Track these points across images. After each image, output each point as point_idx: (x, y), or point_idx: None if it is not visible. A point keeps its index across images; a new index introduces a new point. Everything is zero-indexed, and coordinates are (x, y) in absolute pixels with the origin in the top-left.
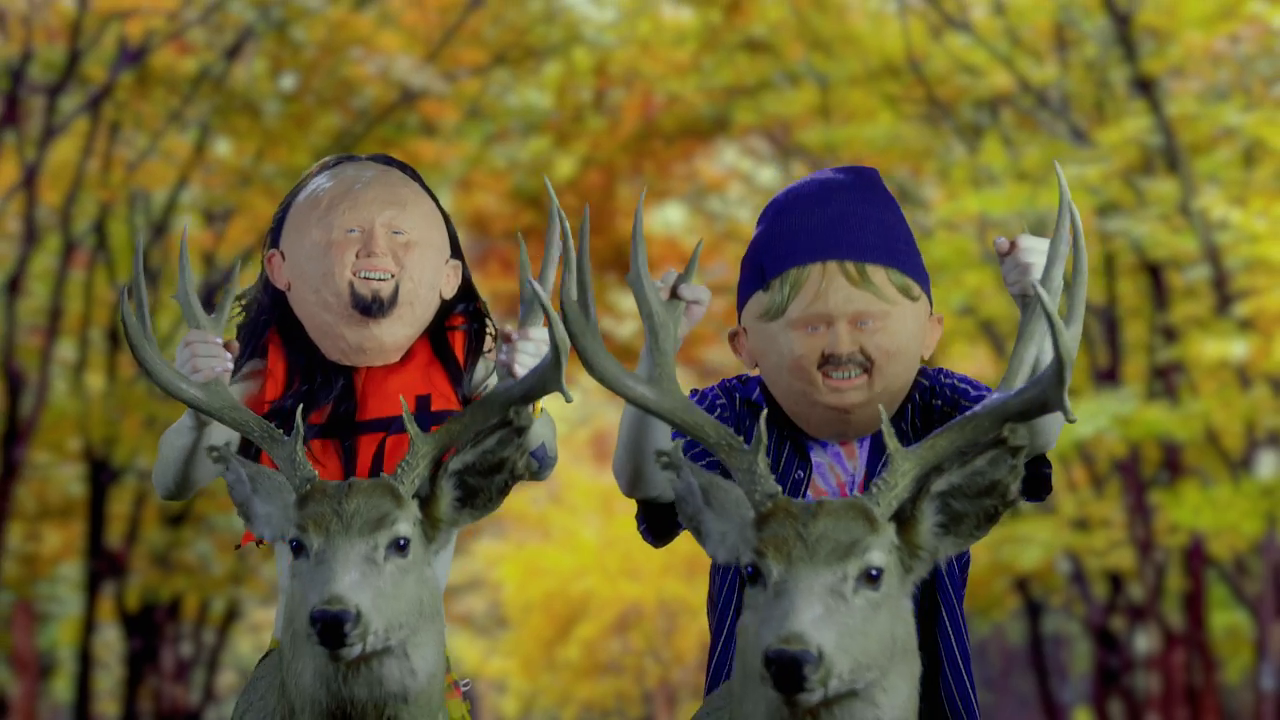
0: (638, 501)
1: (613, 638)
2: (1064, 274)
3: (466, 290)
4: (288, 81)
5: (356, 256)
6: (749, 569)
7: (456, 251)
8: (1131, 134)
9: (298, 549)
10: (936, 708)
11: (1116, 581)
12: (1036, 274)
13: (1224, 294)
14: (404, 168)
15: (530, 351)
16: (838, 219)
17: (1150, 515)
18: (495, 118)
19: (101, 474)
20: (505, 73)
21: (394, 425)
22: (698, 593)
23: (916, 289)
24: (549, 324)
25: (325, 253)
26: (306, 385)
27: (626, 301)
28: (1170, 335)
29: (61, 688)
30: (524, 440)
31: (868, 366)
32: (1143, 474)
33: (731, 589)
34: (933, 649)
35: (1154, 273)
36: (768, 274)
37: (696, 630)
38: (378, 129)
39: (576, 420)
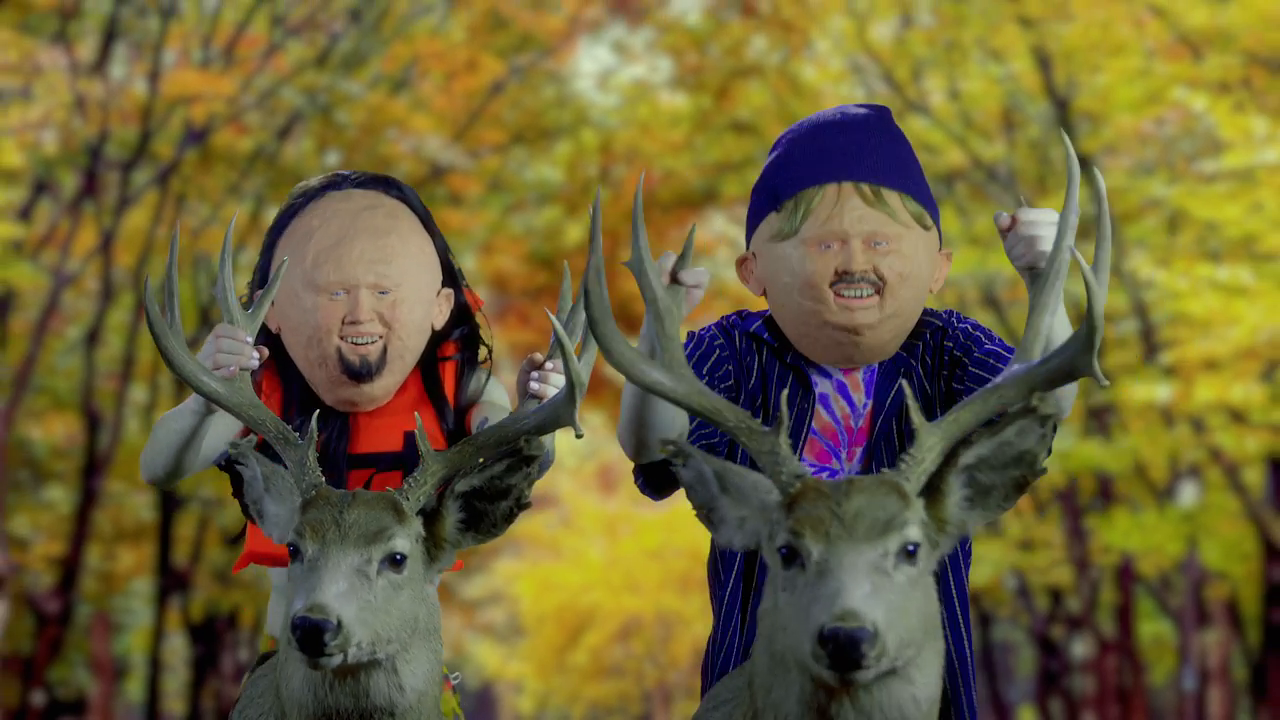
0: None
1: (616, 645)
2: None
3: (461, 314)
4: (332, 158)
5: (343, 322)
6: (783, 550)
7: (450, 277)
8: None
9: (294, 553)
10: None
11: (1056, 595)
12: (1045, 245)
13: (1150, 344)
14: (390, 188)
15: (559, 384)
16: (854, 144)
17: (1086, 537)
18: (513, 190)
19: (169, 502)
20: (522, 150)
21: (382, 462)
22: (691, 605)
23: (929, 219)
24: (565, 361)
25: (313, 315)
26: (301, 418)
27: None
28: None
29: (134, 689)
30: (533, 470)
31: (879, 286)
32: (1079, 501)
33: (732, 561)
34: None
35: None
36: (781, 195)
37: (690, 638)
38: None
39: (585, 454)
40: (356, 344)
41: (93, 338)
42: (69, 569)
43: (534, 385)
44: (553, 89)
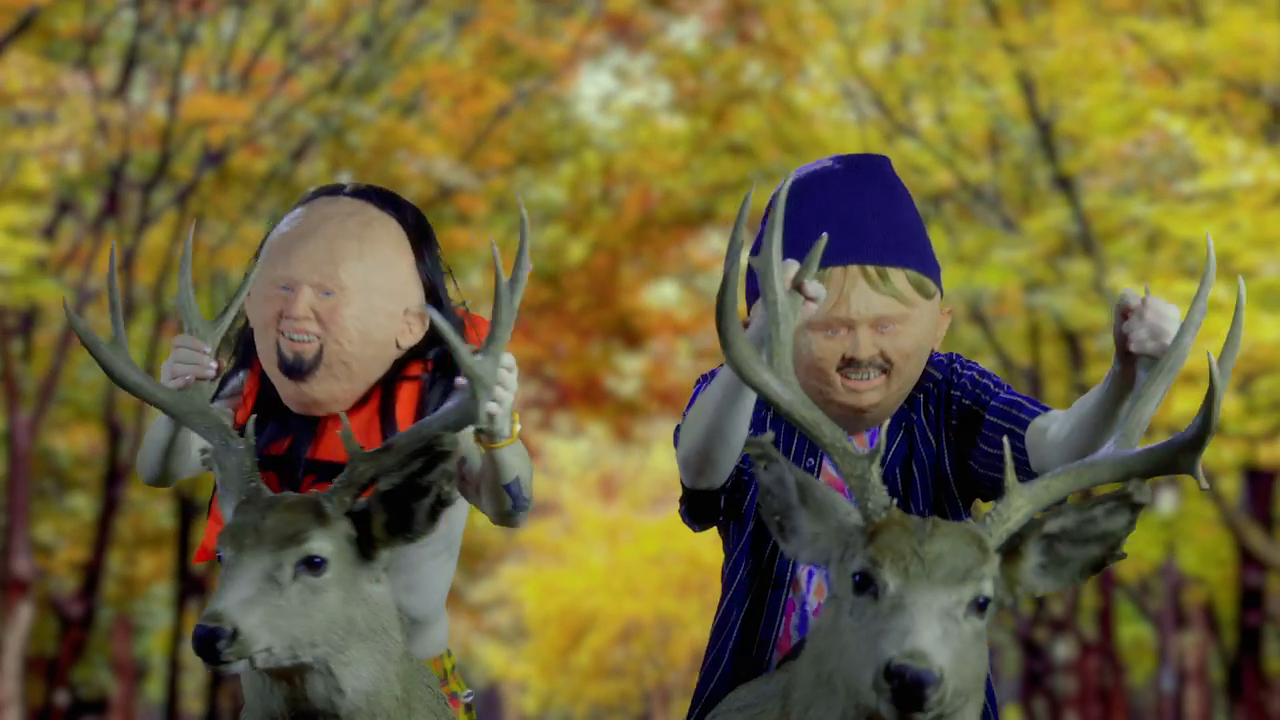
0: (685, 488)
1: (617, 647)
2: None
3: (432, 337)
4: (344, 179)
5: (282, 314)
6: (857, 576)
7: (435, 296)
8: (1053, 223)
9: (219, 559)
10: None
11: (1040, 599)
12: (1168, 339)
13: None
14: (384, 202)
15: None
16: (858, 218)
17: None
18: (518, 210)
19: (188, 509)
20: (527, 172)
21: (335, 471)
22: (690, 608)
23: (931, 286)
24: (456, 356)
25: (262, 308)
26: (275, 417)
27: (628, 363)
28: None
29: (154, 689)
30: (449, 466)
31: (886, 368)
32: None
33: (740, 555)
34: None
35: (1072, 340)
36: None
37: (688, 640)
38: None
39: (586, 463)
40: (292, 340)
41: None
42: (91, 574)
43: (460, 380)
44: (556, 113)
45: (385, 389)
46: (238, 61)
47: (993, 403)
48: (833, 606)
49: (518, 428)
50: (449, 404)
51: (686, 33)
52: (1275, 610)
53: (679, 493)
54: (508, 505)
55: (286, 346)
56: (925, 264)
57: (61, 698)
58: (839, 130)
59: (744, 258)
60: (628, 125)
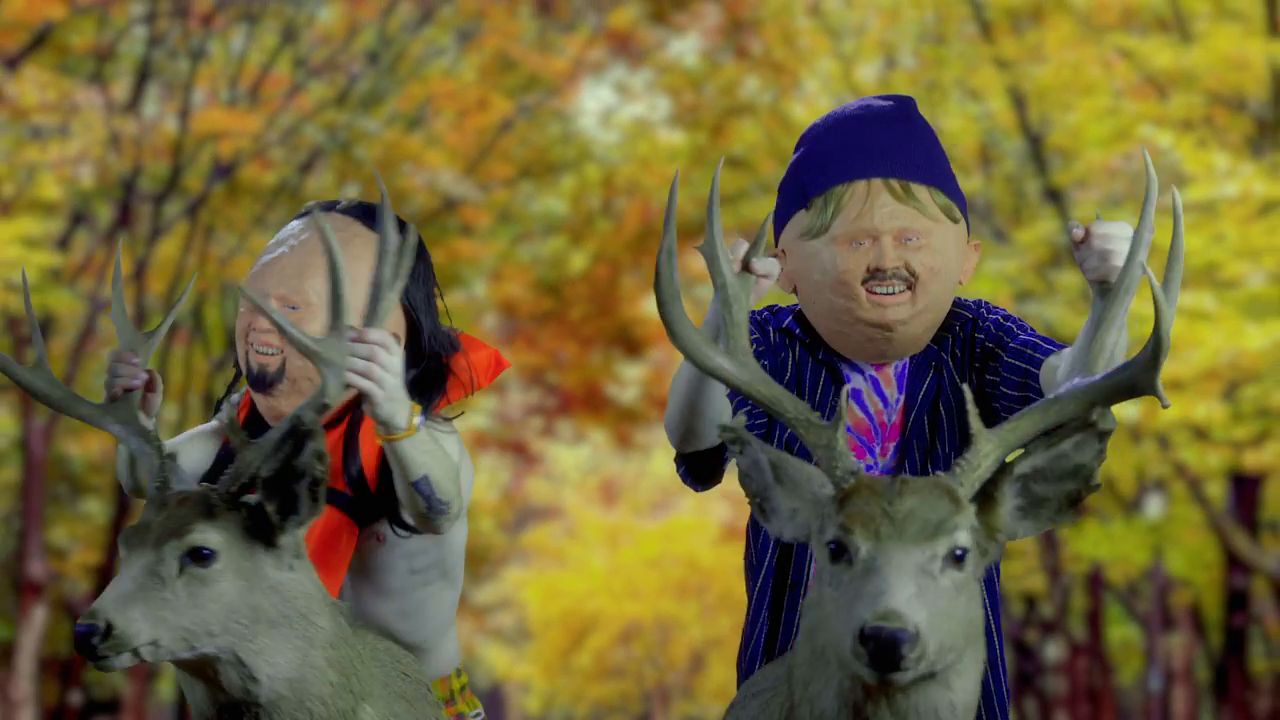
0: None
1: (617, 648)
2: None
3: (413, 358)
4: (351, 191)
5: (251, 327)
6: (831, 545)
7: (413, 318)
8: (1043, 235)
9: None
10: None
11: (1030, 601)
12: (1118, 260)
13: None
14: (375, 219)
15: (363, 354)
16: (882, 138)
17: (1058, 547)
18: (521, 221)
19: None
20: (530, 184)
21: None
22: (688, 610)
23: (957, 211)
24: (287, 337)
25: (240, 318)
26: (266, 427)
27: (628, 370)
28: None
29: (165, 689)
30: (316, 444)
31: (911, 282)
32: None
33: (765, 549)
34: None
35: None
36: (810, 192)
37: (687, 642)
38: (425, 230)
39: (588, 469)
40: (259, 352)
41: None
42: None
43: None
44: (558, 126)
45: (355, 412)
46: (247, 76)
47: (1011, 344)
48: (818, 580)
49: (417, 420)
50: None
51: (685, 48)
52: (1260, 612)
53: (678, 499)
54: (421, 506)
55: (254, 359)
56: (950, 189)
57: (75, 697)
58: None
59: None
60: (628, 139)
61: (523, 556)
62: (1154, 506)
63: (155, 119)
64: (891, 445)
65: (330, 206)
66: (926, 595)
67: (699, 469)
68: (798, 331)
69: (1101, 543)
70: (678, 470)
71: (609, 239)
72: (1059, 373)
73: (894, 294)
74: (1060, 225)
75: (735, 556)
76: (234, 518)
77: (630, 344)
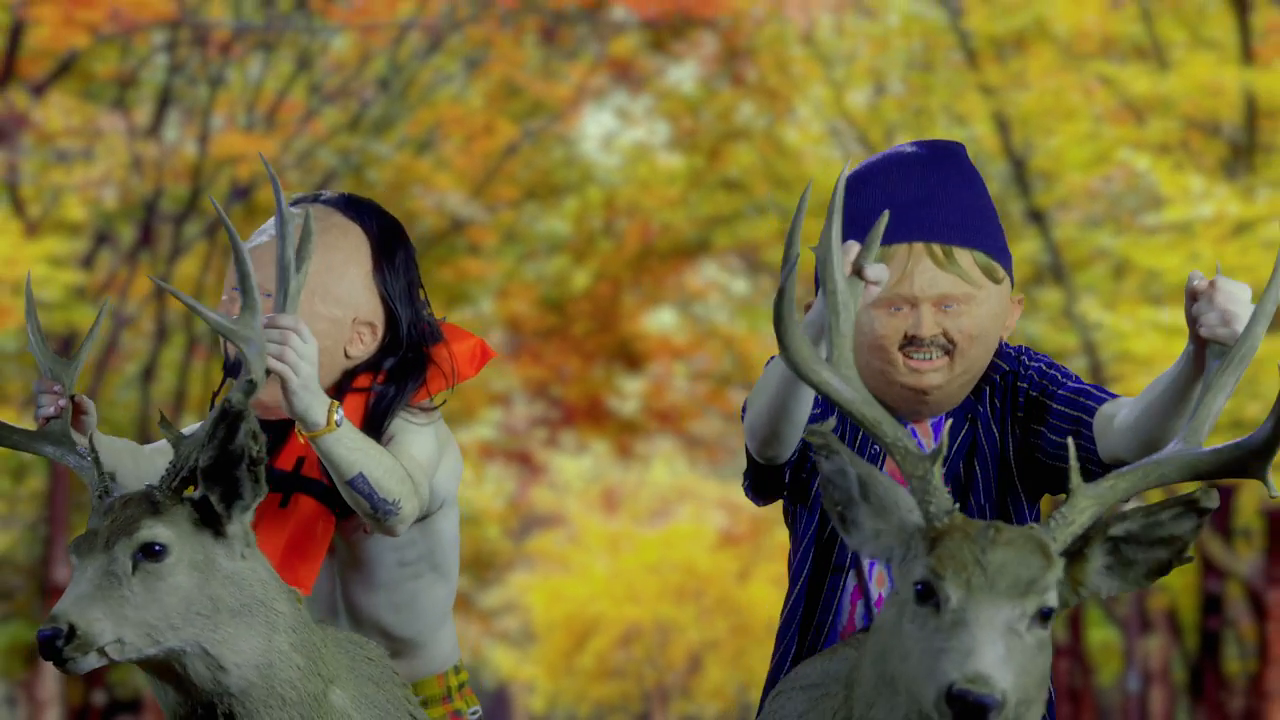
0: (750, 461)
1: (618, 649)
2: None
3: (390, 348)
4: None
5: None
6: (919, 586)
7: (389, 307)
8: (1026, 254)
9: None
10: None
11: None
12: (1239, 324)
13: (1099, 379)
14: (357, 212)
15: (275, 339)
16: (924, 197)
17: None
18: (526, 241)
19: None
20: (534, 205)
21: (273, 479)
22: (686, 614)
23: (1000, 271)
24: (201, 316)
25: (226, 305)
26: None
27: (629, 384)
28: None
29: None
30: (249, 425)
31: (949, 349)
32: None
33: (804, 536)
34: None
35: None
36: None
37: (684, 644)
38: (434, 249)
39: (590, 478)
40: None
41: (148, 374)
42: None
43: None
44: (561, 150)
45: (341, 397)
46: (264, 102)
47: (1060, 392)
48: (894, 606)
49: (335, 417)
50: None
51: (684, 75)
52: (1234, 615)
53: (677, 507)
54: (364, 507)
55: (231, 347)
56: (994, 249)
57: (99, 697)
58: (826, 167)
59: (804, 253)
60: (628, 162)
61: (528, 562)
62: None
63: (175, 143)
64: None
65: (315, 198)
66: (1013, 656)
67: (764, 483)
68: None
69: None
70: (744, 482)
71: (610, 258)
72: (1116, 421)
73: (931, 359)
74: (1043, 245)
75: (731, 562)
76: (181, 511)
77: (630, 358)
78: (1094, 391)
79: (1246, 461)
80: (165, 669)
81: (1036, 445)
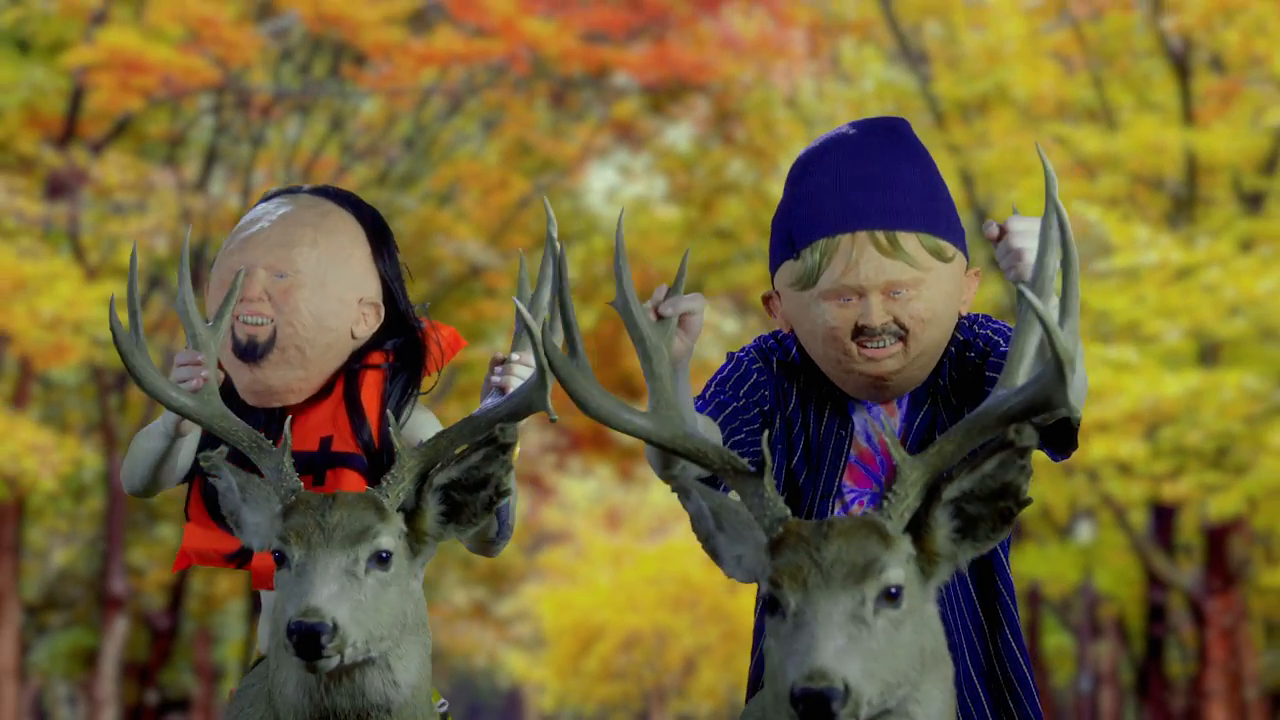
0: None
1: (620, 654)
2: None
3: (394, 328)
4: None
5: (238, 300)
6: (766, 599)
7: (390, 289)
8: (989, 295)
9: (280, 560)
10: (998, 693)
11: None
12: (1030, 257)
13: None
14: (343, 200)
15: (524, 375)
16: (865, 181)
17: None
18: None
19: None
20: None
21: (301, 463)
22: (681, 621)
23: (950, 249)
24: (534, 344)
25: (218, 294)
26: (246, 419)
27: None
28: None
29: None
30: (508, 457)
31: (902, 335)
32: None
33: None
34: (995, 631)
35: None
36: (797, 243)
37: (680, 649)
38: (454, 292)
39: (595, 499)
40: (246, 323)
41: None
42: (177, 592)
43: (495, 379)
44: (569, 203)
45: (349, 377)
46: (300, 160)
47: (993, 357)
48: (768, 628)
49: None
50: (511, 394)
51: (679, 136)
52: (1176, 623)
53: (673, 525)
54: (493, 530)
55: (240, 330)
56: (939, 226)
57: (151, 697)
58: None
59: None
60: (632, 213)
61: (539, 575)
62: (1084, 532)
63: (221, 197)
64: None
65: (294, 190)
66: (858, 643)
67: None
68: (799, 364)
69: (1039, 563)
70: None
71: (609, 298)
72: None
73: (885, 347)
74: (1004, 288)
75: (722, 575)
76: (397, 522)
77: (631, 390)
78: None
79: (1048, 393)
80: (344, 672)
81: None
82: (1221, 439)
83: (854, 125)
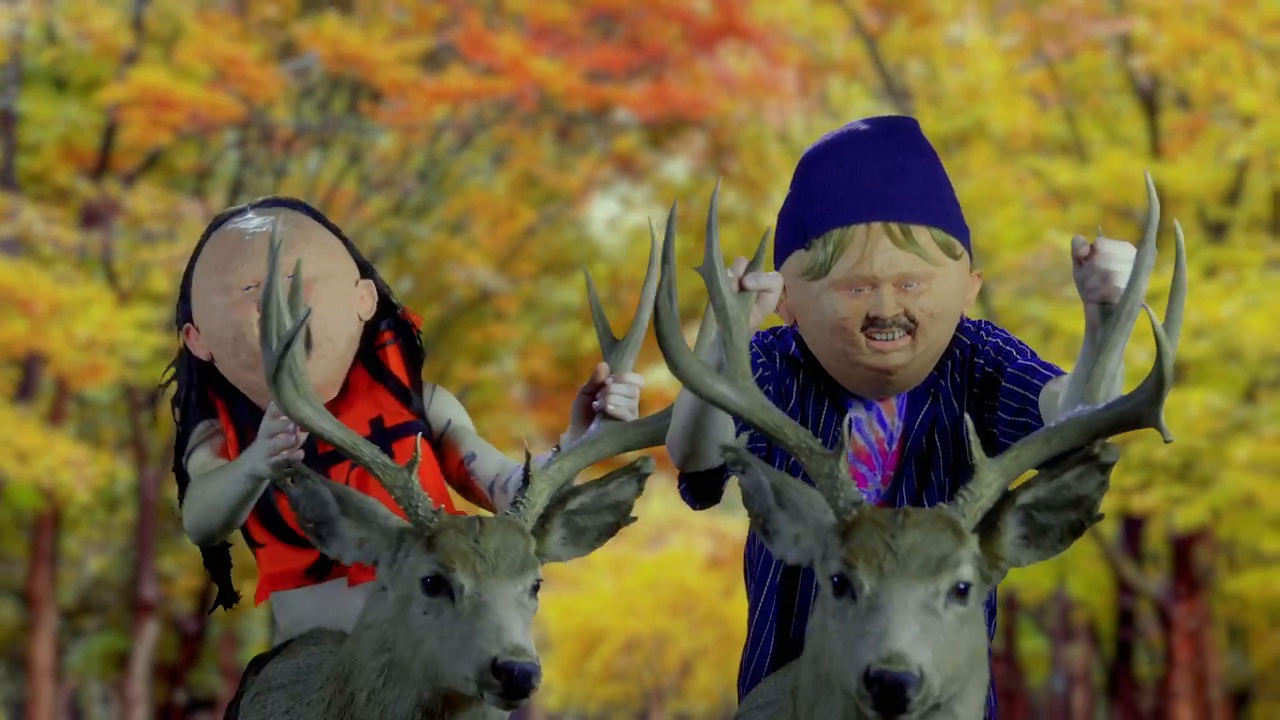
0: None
1: (621, 656)
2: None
3: (386, 306)
4: (405, 284)
5: (259, 311)
6: (835, 579)
7: (366, 271)
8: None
9: (435, 585)
10: None
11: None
12: (1120, 281)
13: None
14: (291, 204)
15: (624, 393)
16: (880, 175)
17: None
18: (544, 309)
19: None
20: (550, 279)
21: (381, 439)
22: (678, 625)
23: (959, 247)
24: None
25: (230, 315)
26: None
27: None
28: None
29: None
30: (643, 486)
31: (911, 328)
32: None
33: (770, 558)
34: None
35: None
36: (809, 233)
37: (677, 651)
38: (465, 316)
39: None
40: None
41: None
42: (204, 598)
43: (596, 404)
44: (573, 232)
45: (369, 361)
46: (320, 191)
47: (1009, 369)
48: (820, 606)
49: None
50: (633, 417)
51: (677, 169)
52: (1144, 627)
53: (671, 535)
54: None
55: None
56: (952, 225)
57: (180, 697)
58: None
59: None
60: (630, 242)
61: (545, 582)
62: None
63: None
64: (893, 473)
65: (240, 211)
66: (930, 633)
67: (700, 488)
68: (800, 359)
69: (1015, 571)
70: (679, 488)
71: (615, 324)
72: (1059, 399)
73: (894, 339)
74: (982, 311)
75: (718, 582)
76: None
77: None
78: (1040, 369)
79: (1140, 412)
80: (458, 704)
81: (991, 421)
82: (1187, 454)
83: (866, 121)
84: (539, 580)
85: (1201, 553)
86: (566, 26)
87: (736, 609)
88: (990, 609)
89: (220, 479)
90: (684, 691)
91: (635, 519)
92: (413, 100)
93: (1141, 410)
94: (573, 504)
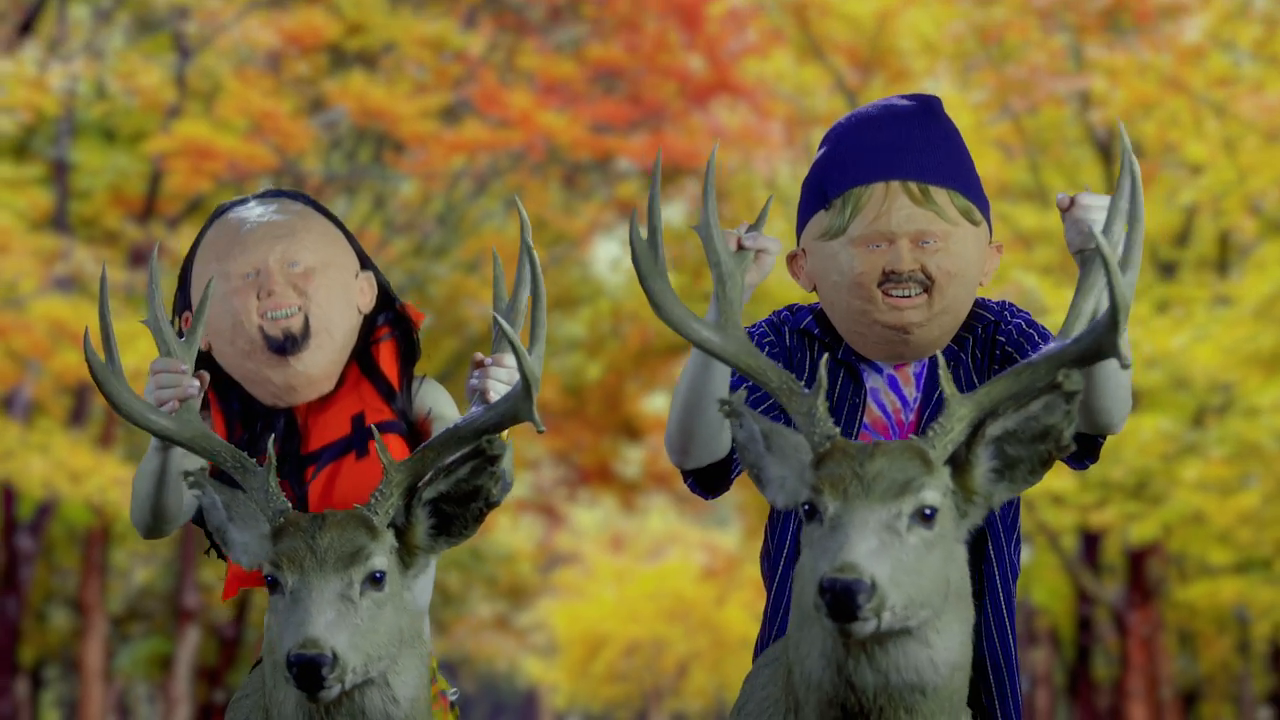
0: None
1: (622, 659)
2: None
3: (385, 299)
4: (425, 320)
5: (258, 299)
6: (806, 506)
7: (366, 263)
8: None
9: (273, 585)
10: (979, 659)
11: None
12: (1097, 228)
13: None
14: (292, 195)
15: (503, 378)
16: (901, 141)
17: None
18: (551, 342)
19: None
20: (557, 313)
21: (328, 451)
22: (675, 631)
23: (978, 214)
24: (516, 354)
25: (228, 303)
26: (247, 432)
27: (631, 452)
28: None
29: None
30: (497, 469)
31: (928, 285)
32: None
33: (784, 538)
34: (979, 598)
35: None
36: (829, 194)
37: (674, 655)
38: (480, 348)
39: (601, 526)
40: (276, 318)
41: None
42: (241, 606)
43: (473, 381)
44: (578, 270)
45: (361, 355)
46: None
47: (1027, 348)
48: (804, 542)
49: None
50: (495, 402)
51: (673, 213)
52: (1102, 633)
53: (669, 548)
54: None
55: (272, 327)
56: (972, 192)
57: (219, 696)
58: (786, 285)
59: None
60: (631, 280)
61: (553, 591)
62: (1023, 554)
63: None
64: None
65: (244, 200)
66: (889, 550)
67: (706, 480)
68: (816, 332)
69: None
70: (685, 482)
71: (617, 355)
72: None
73: (910, 296)
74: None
75: (712, 591)
76: (388, 538)
77: (632, 432)
78: None
79: (1100, 340)
80: (336, 698)
81: None
82: (1141, 474)
83: (891, 98)
84: (380, 572)
85: (1154, 565)
86: (573, 83)
87: (729, 616)
88: (1014, 572)
89: (141, 464)
90: (680, 692)
91: (498, 503)
92: (432, 150)
93: (1102, 340)
94: (429, 493)
